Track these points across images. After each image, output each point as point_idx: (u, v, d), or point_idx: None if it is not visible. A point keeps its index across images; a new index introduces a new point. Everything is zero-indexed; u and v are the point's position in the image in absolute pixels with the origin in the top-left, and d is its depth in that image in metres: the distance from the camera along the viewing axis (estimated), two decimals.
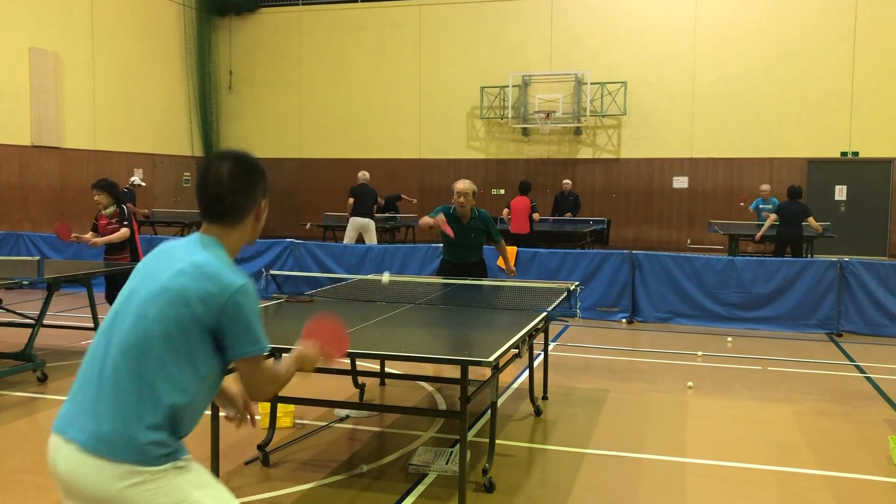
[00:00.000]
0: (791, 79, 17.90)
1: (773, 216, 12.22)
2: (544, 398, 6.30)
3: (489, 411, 4.71)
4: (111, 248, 8.22)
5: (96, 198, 8.08)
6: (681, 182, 18.93)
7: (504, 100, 19.43)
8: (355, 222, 13.79)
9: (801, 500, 4.42)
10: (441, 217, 6.83)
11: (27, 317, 7.68)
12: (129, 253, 8.30)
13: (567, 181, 16.92)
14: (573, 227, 14.99)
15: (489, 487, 4.40)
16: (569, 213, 16.21)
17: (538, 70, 19.32)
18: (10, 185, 15.39)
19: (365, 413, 5.79)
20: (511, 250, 10.06)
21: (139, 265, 2.39)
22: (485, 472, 4.46)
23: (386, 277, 4.92)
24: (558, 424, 5.73)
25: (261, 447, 4.85)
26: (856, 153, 17.76)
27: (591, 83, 18.76)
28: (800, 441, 5.40)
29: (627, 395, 6.55)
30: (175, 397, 2.18)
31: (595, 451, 5.14)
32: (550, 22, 19.35)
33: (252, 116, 21.67)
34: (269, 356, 2.36)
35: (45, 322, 7.13)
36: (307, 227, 17.11)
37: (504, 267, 7.54)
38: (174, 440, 2.21)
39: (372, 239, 13.72)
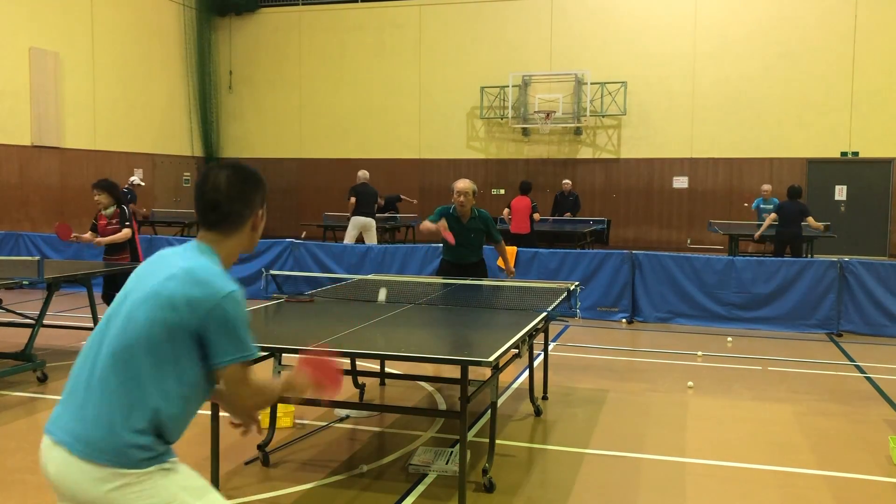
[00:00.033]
0: (791, 79, 17.90)
1: (771, 215, 12.23)
2: (544, 398, 6.30)
3: (489, 411, 4.71)
4: (111, 249, 8.23)
5: (97, 198, 8.09)
6: (681, 182, 18.93)
7: (504, 100, 19.43)
8: (358, 222, 13.76)
9: (801, 500, 4.42)
10: (443, 223, 6.81)
11: (27, 317, 7.68)
12: (128, 253, 8.30)
13: (567, 181, 16.92)
14: (573, 227, 15.00)
15: (489, 487, 4.40)
16: (568, 213, 16.22)
17: (538, 70, 19.32)
18: (10, 185, 15.39)
19: (365, 413, 5.79)
20: (511, 250, 10.05)
21: (136, 270, 2.40)
22: (485, 472, 4.46)
23: (382, 295, 4.94)
24: (558, 424, 5.73)
25: (261, 447, 4.85)
26: (856, 153, 17.76)
27: (591, 83, 18.75)
28: (800, 441, 5.40)
29: (627, 395, 6.55)
30: (159, 402, 2.18)
31: (595, 451, 5.14)
32: (550, 22, 19.35)
33: (252, 116, 21.66)
34: (256, 362, 2.32)
35: (45, 322, 7.13)
36: (302, 236, 16.60)
37: (503, 267, 7.54)
38: (160, 444, 2.21)
39: (372, 239, 13.71)
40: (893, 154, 17.57)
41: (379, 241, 13.83)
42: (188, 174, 20.83)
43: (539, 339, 6.03)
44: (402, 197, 17.75)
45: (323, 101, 21.10)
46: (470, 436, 5.20)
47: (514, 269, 8.17)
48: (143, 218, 15.64)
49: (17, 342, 7.23)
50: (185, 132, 20.82)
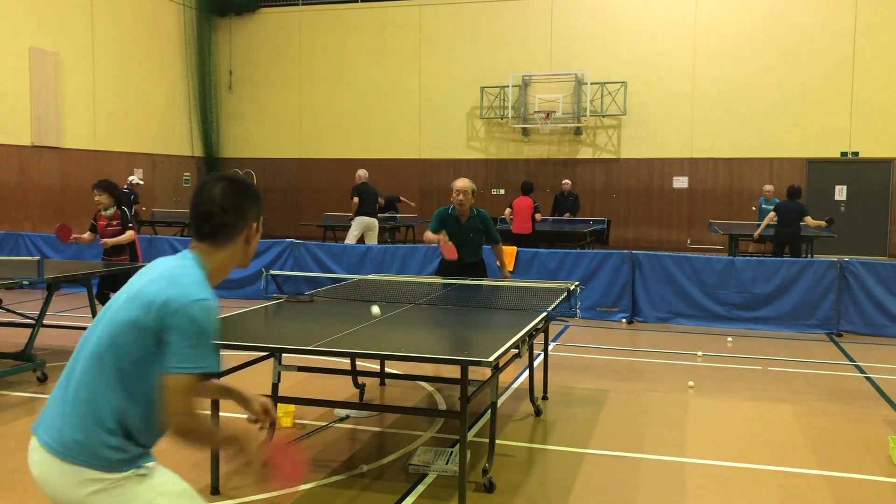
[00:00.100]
0: (791, 79, 17.90)
1: (770, 215, 12.24)
2: (544, 398, 6.30)
3: (489, 411, 4.71)
4: (111, 249, 8.24)
5: (97, 198, 8.09)
6: (681, 182, 18.92)
7: (504, 100, 19.42)
8: (362, 221, 13.69)
9: (800, 500, 4.42)
10: (444, 236, 6.81)
11: (27, 317, 7.68)
12: (128, 254, 8.31)
13: (567, 181, 16.93)
14: (573, 227, 15.00)
15: (489, 487, 4.40)
16: (568, 214, 16.22)
17: (538, 70, 19.32)
18: (10, 185, 15.39)
19: (365, 413, 5.79)
20: (510, 251, 10.05)
21: (132, 279, 2.40)
22: (485, 472, 4.46)
23: (376, 310, 4.96)
24: (558, 424, 5.73)
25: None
26: (856, 153, 17.76)
27: (591, 83, 18.75)
28: (800, 441, 5.40)
29: (627, 395, 6.55)
30: (125, 403, 2.19)
31: (595, 451, 5.14)
32: (550, 22, 19.35)
33: (252, 116, 21.66)
34: (205, 378, 2.19)
35: (45, 322, 7.13)
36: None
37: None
38: (133, 446, 2.21)
39: (373, 239, 13.70)
40: (893, 154, 17.57)
41: (379, 241, 13.83)
42: (188, 174, 20.83)
43: (539, 339, 6.03)
44: (401, 198, 17.76)
45: (323, 101, 21.10)
46: (470, 436, 5.20)
47: (509, 273, 8.14)
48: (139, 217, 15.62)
49: (17, 342, 7.23)
50: (185, 132, 20.82)
